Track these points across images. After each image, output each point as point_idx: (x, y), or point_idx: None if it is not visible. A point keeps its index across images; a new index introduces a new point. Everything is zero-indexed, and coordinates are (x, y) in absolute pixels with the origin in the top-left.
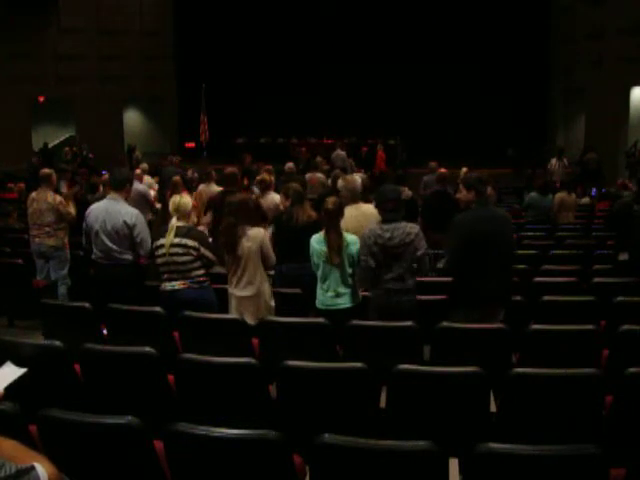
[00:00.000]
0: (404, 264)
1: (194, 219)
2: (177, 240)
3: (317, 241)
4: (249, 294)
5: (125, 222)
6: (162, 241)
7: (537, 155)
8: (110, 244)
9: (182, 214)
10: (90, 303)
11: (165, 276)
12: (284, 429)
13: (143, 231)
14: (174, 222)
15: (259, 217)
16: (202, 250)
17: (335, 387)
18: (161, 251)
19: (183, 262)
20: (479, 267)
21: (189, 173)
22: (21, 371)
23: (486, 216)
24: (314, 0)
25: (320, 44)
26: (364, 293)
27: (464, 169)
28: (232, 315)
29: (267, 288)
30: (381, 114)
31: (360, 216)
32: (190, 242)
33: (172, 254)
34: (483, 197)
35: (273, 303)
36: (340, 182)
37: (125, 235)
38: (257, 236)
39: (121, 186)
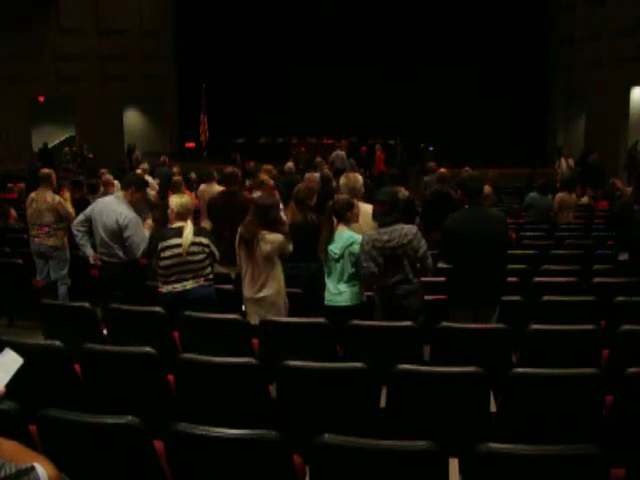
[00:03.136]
0: (406, 266)
1: None
2: (193, 239)
3: None
4: (269, 293)
5: (117, 221)
6: (175, 241)
7: (537, 155)
8: (106, 238)
9: (189, 213)
10: (90, 303)
11: (174, 277)
12: (284, 429)
13: (135, 235)
14: (188, 222)
15: (280, 223)
16: (212, 247)
17: (335, 387)
18: (174, 251)
19: (198, 261)
20: (468, 267)
21: (175, 170)
22: (20, 361)
23: (476, 216)
24: (314, 0)
25: (320, 44)
26: (368, 293)
27: (465, 169)
28: (232, 315)
29: (284, 289)
30: (381, 114)
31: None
32: (204, 240)
33: (190, 253)
34: (475, 197)
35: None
36: (342, 180)
37: (115, 233)
38: (276, 240)
39: (125, 187)
